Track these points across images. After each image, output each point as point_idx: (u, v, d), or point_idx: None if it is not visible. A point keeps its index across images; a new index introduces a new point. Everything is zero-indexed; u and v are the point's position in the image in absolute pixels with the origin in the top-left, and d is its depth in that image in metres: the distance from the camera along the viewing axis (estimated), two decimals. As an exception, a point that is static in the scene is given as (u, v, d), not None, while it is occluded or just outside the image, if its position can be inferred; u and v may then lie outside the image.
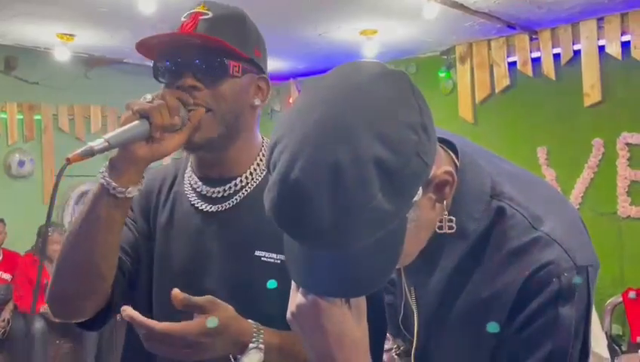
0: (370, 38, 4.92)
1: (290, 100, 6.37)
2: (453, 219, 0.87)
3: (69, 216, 5.67)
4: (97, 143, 0.99)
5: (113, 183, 1.04)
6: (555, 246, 0.85)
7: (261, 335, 1.05)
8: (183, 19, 1.13)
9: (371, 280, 0.81)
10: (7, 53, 5.29)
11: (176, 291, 1.00)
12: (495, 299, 0.86)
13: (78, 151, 0.97)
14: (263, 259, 1.13)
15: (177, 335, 0.97)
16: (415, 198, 0.78)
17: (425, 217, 0.85)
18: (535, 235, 0.86)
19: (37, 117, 5.60)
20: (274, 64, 5.80)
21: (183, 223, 1.19)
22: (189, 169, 1.24)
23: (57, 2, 4.15)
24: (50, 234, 5.04)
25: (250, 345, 1.04)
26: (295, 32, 4.87)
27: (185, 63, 1.11)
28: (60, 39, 4.87)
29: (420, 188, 0.78)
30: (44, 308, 4.95)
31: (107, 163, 1.06)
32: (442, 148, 0.90)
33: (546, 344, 0.84)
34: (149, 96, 1.08)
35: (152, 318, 1.02)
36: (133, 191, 1.06)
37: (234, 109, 1.14)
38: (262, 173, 1.19)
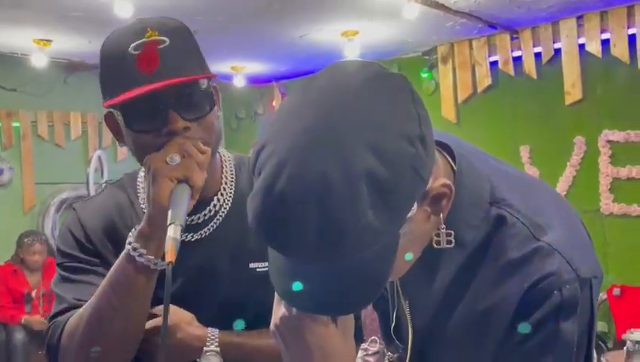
0: (351, 39, 4.90)
1: (274, 103, 6.33)
2: (452, 232, 0.81)
3: (50, 223, 5.59)
4: (175, 230, 0.93)
5: (153, 259, 1.01)
6: (557, 257, 0.80)
7: (216, 339, 1.08)
8: (134, 51, 1.01)
9: (359, 298, 0.76)
10: (-17, 60, 5.21)
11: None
12: (494, 311, 0.81)
13: (172, 250, 0.91)
14: (258, 270, 1.11)
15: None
16: (409, 214, 0.72)
17: (419, 231, 0.79)
18: (536, 245, 0.80)
19: (15, 124, 5.52)
20: (256, 67, 5.77)
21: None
22: (144, 196, 1.13)
23: (32, 7, 4.08)
24: (30, 243, 4.97)
25: (205, 349, 1.07)
26: (276, 34, 4.84)
27: (168, 105, 1.03)
28: (37, 45, 4.80)
29: (415, 202, 0.73)
30: (24, 319, 4.89)
31: (135, 237, 1.02)
32: (438, 151, 0.84)
33: (547, 358, 0.80)
34: (176, 158, 1.02)
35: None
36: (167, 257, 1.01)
37: (219, 134, 1.12)
38: (232, 187, 1.17)
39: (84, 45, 4.98)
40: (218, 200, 1.16)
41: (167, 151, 1.02)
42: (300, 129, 0.70)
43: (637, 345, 2.53)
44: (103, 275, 1.08)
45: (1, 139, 5.46)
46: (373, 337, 3.27)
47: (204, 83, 1.07)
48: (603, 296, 4.36)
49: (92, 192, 5.00)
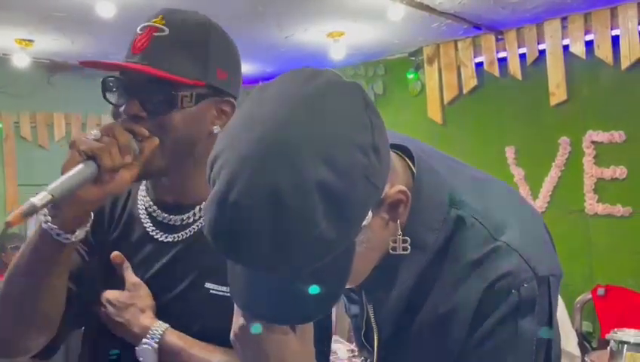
0: (337, 40, 4.89)
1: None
2: (408, 239, 0.82)
3: (33, 225, 5.53)
4: (40, 198, 0.86)
5: (57, 229, 0.95)
6: (515, 256, 0.80)
7: (157, 336, 1.06)
8: (138, 30, 1.04)
9: (315, 307, 0.76)
10: (-36, 60, 5.14)
11: (117, 254, 1.10)
12: (455, 311, 0.82)
13: (19, 210, 0.85)
14: (211, 291, 1.07)
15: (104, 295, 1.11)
16: (364, 223, 0.72)
17: (376, 238, 0.79)
18: (494, 245, 0.81)
19: (-3, 125, 5.45)
20: (242, 67, 5.73)
21: (134, 249, 1.13)
22: (142, 188, 1.17)
23: (13, 7, 4.03)
24: (14, 249, 4.91)
25: (144, 340, 1.06)
26: (261, 35, 4.82)
27: (133, 89, 1.03)
28: (19, 45, 4.74)
29: (370, 211, 0.73)
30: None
31: (49, 206, 0.92)
32: (398, 154, 0.85)
33: (507, 358, 0.80)
34: (96, 133, 0.97)
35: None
36: (80, 234, 0.98)
37: (186, 139, 1.06)
38: None
39: (67, 45, 4.93)
40: (200, 209, 1.11)
41: (105, 127, 0.99)
42: (251, 139, 0.70)
43: (621, 345, 2.54)
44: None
45: (-17, 141, 5.40)
46: (359, 339, 3.26)
47: (179, 87, 1.03)
48: (587, 295, 4.38)
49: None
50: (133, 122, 1.02)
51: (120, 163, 0.97)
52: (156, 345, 1.06)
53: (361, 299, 0.98)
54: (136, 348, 1.06)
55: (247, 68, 5.79)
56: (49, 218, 0.95)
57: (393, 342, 0.91)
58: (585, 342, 4.23)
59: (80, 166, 0.92)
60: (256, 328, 0.78)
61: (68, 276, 1.04)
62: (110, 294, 1.10)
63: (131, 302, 1.08)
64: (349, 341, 3.36)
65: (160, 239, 1.11)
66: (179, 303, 1.09)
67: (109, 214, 1.17)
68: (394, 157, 0.81)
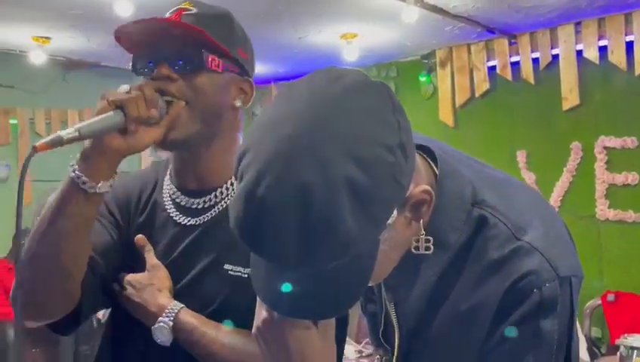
0: (350, 42, 4.91)
1: (271, 104, 6.34)
2: (431, 239, 0.83)
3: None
4: (67, 132, 0.93)
5: (84, 177, 0.98)
6: (537, 256, 0.81)
7: (173, 314, 1.08)
8: (168, 14, 1.10)
9: (338, 303, 0.77)
10: (-19, 57, 5.21)
11: (140, 237, 1.14)
12: (476, 310, 0.83)
13: (47, 139, 0.91)
14: (230, 272, 1.10)
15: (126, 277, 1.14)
16: (389, 221, 0.74)
17: (399, 237, 0.80)
18: (516, 245, 0.82)
19: (13, 121, 5.50)
20: (255, 67, 5.75)
21: (158, 233, 1.16)
22: (167, 177, 1.20)
23: (32, 4, 4.08)
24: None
25: (159, 318, 1.08)
26: (275, 35, 4.85)
27: (162, 53, 1.07)
28: (36, 42, 4.79)
29: (395, 209, 0.74)
30: (19, 315, 4.87)
31: (79, 155, 1.00)
32: (421, 155, 0.86)
33: (527, 357, 0.81)
34: (126, 87, 1.03)
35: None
36: (104, 187, 1.01)
37: (213, 105, 1.10)
38: None
39: (83, 43, 4.98)
40: (221, 192, 1.15)
41: (136, 85, 1.05)
42: (280, 137, 0.71)
43: (630, 351, 2.54)
44: (105, 226, 1.16)
45: (-2, 136, 5.45)
46: (367, 339, 3.28)
47: (208, 48, 1.07)
48: (597, 301, 4.37)
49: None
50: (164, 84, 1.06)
51: (145, 114, 1.01)
52: (171, 323, 1.08)
53: (380, 297, 0.99)
54: (152, 326, 1.09)
55: (260, 68, 5.79)
56: (76, 167, 0.99)
57: (414, 340, 0.92)
58: (594, 347, 4.21)
59: (109, 113, 0.97)
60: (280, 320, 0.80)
61: (94, 248, 1.08)
62: (130, 276, 1.13)
63: (149, 282, 1.11)
64: (357, 341, 3.37)
65: (182, 223, 1.15)
66: (199, 284, 1.12)
67: (136, 200, 1.20)
68: (417, 157, 0.82)
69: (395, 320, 0.94)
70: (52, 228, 1.00)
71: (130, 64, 1.11)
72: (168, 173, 1.21)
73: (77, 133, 0.94)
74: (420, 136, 0.90)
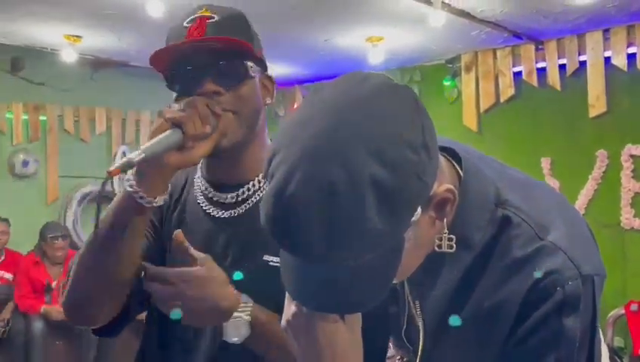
0: (375, 45, 4.92)
1: (295, 106, 6.37)
2: (454, 237, 0.85)
3: (72, 216, 5.68)
4: (135, 155, 0.97)
5: (141, 193, 1.03)
6: (560, 255, 0.83)
7: (249, 308, 1.05)
8: (186, 24, 1.11)
9: (364, 299, 0.80)
10: (14, 54, 5.31)
11: (178, 232, 1.07)
12: (498, 308, 0.84)
13: (118, 164, 0.96)
14: (270, 263, 1.12)
15: (162, 272, 1.05)
16: (413, 219, 0.76)
17: (423, 235, 0.82)
18: (540, 244, 0.84)
19: (42, 117, 5.61)
20: (279, 69, 5.81)
21: (193, 229, 1.18)
22: (198, 173, 1.24)
23: (64, 3, 4.16)
24: (53, 239, 5.05)
25: (236, 314, 1.04)
26: (301, 37, 4.88)
27: (203, 69, 1.09)
28: (67, 40, 4.88)
29: (419, 208, 0.76)
30: (44, 309, 4.97)
31: (134, 170, 1.04)
32: (444, 157, 0.88)
33: (549, 355, 0.82)
34: (177, 105, 1.06)
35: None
36: (159, 201, 1.05)
37: (255, 110, 1.14)
38: None
39: (113, 42, 5.06)
40: (253, 185, 1.17)
41: (186, 101, 1.07)
42: (309, 137, 0.74)
43: (653, 361, 2.51)
44: None
45: (28, 132, 5.55)
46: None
47: (246, 56, 1.11)
48: (620, 310, 4.32)
49: (116, 186, 5.06)
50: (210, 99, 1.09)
51: (201, 131, 1.05)
52: (248, 318, 1.05)
53: (403, 296, 1.01)
54: (226, 322, 1.04)
55: (284, 70, 5.85)
56: (134, 183, 1.03)
57: (437, 337, 0.93)
58: (616, 357, 4.17)
59: (168, 132, 1.02)
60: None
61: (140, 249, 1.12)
62: (180, 271, 1.05)
63: (210, 274, 1.05)
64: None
65: (217, 216, 1.17)
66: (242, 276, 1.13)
67: (169, 198, 1.23)
68: (440, 158, 0.83)
69: (419, 317, 0.95)
70: (109, 239, 1.05)
71: (166, 82, 1.14)
72: (199, 169, 1.24)
73: (144, 155, 0.98)
74: (444, 139, 0.92)
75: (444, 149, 0.89)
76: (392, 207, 0.72)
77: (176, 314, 1.09)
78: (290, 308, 0.84)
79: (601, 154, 4.71)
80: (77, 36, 4.85)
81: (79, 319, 1.14)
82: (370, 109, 0.75)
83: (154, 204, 1.04)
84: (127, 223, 1.04)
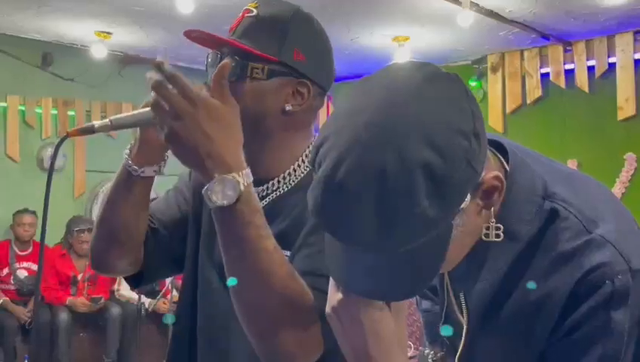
0: (401, 44, 4.92)
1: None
2: (501, 226, 0.84)
3: (97, 209, 5.76)
4: (99, 122, 1.04)
5: (129, 161, 1.12)
6: (609, 248, 0.82)
7: (249, 180, 0.93)
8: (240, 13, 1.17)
9: (412, 285, 0.80)
10: (44, 50, 5.40)
11: (226, 63, 1.00)
12: (545, 301, 0.84)
13: (80, 126, 1.04)
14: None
15: (187, 85, 0.93)
16: (462, 205, 0.76)
17: (471, 223, 0.82)
18: (588, 238, 0.83)
19: (71, 112, 5.70)
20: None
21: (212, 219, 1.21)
22: None
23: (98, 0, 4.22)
24: (79, 233, 5.14)
25: (234, 174, 0.91)
26: (328, 36, 4.88)
27: (218, 63, 1.12)
28: (98, 37, 4.95)
29: (469, 194, 0.76)
30: (69, 300, 5.06)
31: (132, 145, 1.12)
32: (491, 150, 0.87)
33: (596, 348, 0.81)
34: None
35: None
36: (147, 172, 1.13)
37: (254, 112, 1.11)
38: (298, 178, 1.16)
39: (142, 39, 5.12)
40: (273, 184, 1.17)
41: None
42: (359, 124, 0.74)
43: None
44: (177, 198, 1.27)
45: (57, 127, 5.65)
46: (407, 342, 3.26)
47: (251, 58, 1.11)
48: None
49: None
50: None
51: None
52: (242, 187, 0.91)
53: (442, 290, 1.00)
54: (219, 176, 0.91)
55: (310, 68, 5.86)
56: (127, 152, 1.13)
57: (480, 330, 0.93)
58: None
59: (145, 109, 1.06)
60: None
61: (160, 218, 1.23)
62: (215, 103, 0.94)
63: (235, 123, 0.95)
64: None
65: None
66: None
67: (195, 194, 1.26)
68: (488, 153, 0.83)
69: (464, 311, 0.95)
70: (110, 200, 1.17)
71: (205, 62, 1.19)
72: None
73: (109, 123, 1.04)
74: (489, 133, 0.91)
75: (491, 143, 0.88)
76: (442, 192, 0.72)
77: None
78: (335, 294, 0.83)
79: (630, 157, 4.64)
80: (107, 32, 4.92)
81: (97, 265, 1.23)
82: (420, 96, 0.75)
83: (141, 174, 1.12)
84: (124, 188, 1.14)
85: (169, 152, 1.09)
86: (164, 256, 1.24)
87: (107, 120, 1.04)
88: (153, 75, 0.96)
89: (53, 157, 1.13)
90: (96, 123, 1.03)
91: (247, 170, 0.94)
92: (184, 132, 0.92)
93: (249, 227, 0.92)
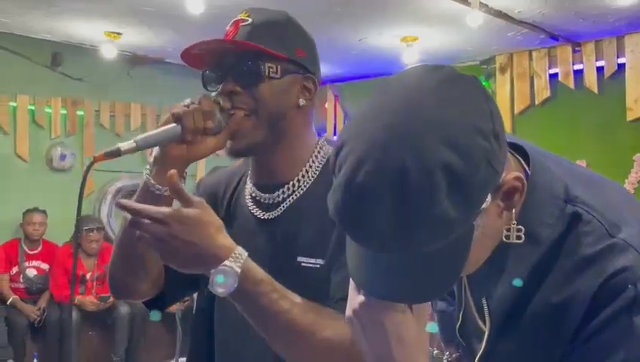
0: (410, 44, 4.91)
1: (326, 105, 6.39)
2: (522, 228, 0.83)
3: (106, 209, 5.79)
4: (125, 145, 1.04)
5: (152, 180, 1.11)
6: (632, 253, 0.81)
7: (242, 259, 0.98)
8: (227, 27, 1.18)
9: (434, 288, 0.80)
10: (54, 50, 5.43)
11: (173, 173, 1.00)
12: (567, 305, 0.83)
13: (106, 150, 1.03)
14: (303, 264, 1.14)
15: (155, 211, 0.97)
16: (483, 206, 0.76)
17: (492, 225, 0.82)
18: (611, 242, 0.82)
19: (80, 112, 5.72)
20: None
21: (240, 227, 1.22)
22: (249, 171, 1.28)
23: (105, 0, 4.24)
24: (88, 232, 5.17)
25: (226, 262, 0.97)
26: (335, 37, 4.89)
27: (225, 69, 1.15)
28: (108, 37, 4.97)
29: (489, 195, 0.76)
30: (78, 299, 5.08)
31: (152, 159, 1.12)
32: (511, 153, 0.87)
33: (618, 353, 0.80)
34: (187, 101, 1.12)
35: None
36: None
37: (276, 111, 1.16)
38: (312, 178, 1.19)
39: (151, 39, 5.14)
40: (288, 188, 1.19)
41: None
42: (378, 127, 0.74)
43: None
44: None
45: (66, 126, 5.67)
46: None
47: (264, 58, 1.14)
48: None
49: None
50: (228, 98, 1.15)
51: (201, 125, 1.10)
52: (239, 269, 0.97)
53: (460, 292, 1.00)
54: (214, 270, 0.97)
55: (318, 68, 5.86)
56: (148, 171, 1.12)
57: (500, 333, 0.92)
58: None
59: (168, 126, 1.08)
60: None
61: None
62: (171, 211, 0.98)
63: (207, 219, 0.99)
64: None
65: (259, 216, 1.21)
66: (275, 276, 1.13)
67: (222, 194, 1.28)
68: (508, 154, 0.83)
69: (487, 313, 0.94)
70: (130, 221, 1.12)
71: (201, 79, 1.20)
72: (251, 168, 1.28)
73: (134, 145, 1.04)
74: (508, 135, 0.90)
75: (510, 145, 0.88)
76: (463, 193, 0.72)
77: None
78: (357, 297, 0.83)
79: (639, 158, 4.62)
80: (117, 33, 4.94)
81: (117, 291, 1.22)
82: (439, 97, 0.75)
83: (164, 193, 1.10)
84: (140, 200, 1.11)
85: (188, 169, 1.14)
86: (182, 277, 1.17)
87: (132, 142, 1.05)
88: (127, 215, 1.02)
89: (82, 185, 1.06)
90: (122, 145, 1.03)
91: (239, 249, 1.00)
92: (171, 249, 0.98)
93: (260, 298, 1.00)
